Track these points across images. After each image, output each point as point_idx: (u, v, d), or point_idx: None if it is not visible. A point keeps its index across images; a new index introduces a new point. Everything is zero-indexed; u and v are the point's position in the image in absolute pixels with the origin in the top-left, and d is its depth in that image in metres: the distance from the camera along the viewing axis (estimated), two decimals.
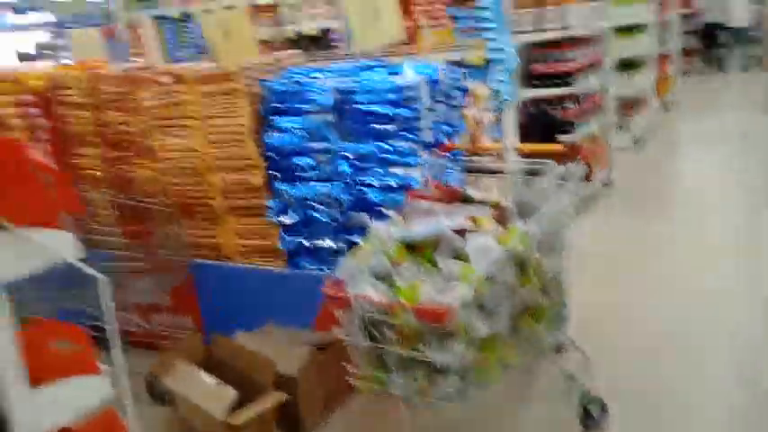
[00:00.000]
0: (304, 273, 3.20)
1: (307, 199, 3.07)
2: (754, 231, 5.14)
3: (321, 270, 3.16)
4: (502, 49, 5.43)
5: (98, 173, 3.69)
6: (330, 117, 2.98)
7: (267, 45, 6.65)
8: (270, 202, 3.21)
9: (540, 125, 5.66)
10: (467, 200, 2.45)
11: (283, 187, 3.14)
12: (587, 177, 2.61)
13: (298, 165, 3.09)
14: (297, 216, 3.13)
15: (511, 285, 2.15)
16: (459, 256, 2.14)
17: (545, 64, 5.54)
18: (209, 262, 3.46)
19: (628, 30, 7.96)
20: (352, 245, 2.79)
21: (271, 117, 3.12)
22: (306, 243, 3.17)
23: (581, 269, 4.49)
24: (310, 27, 6.44)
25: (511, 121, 5.64)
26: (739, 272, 4.35)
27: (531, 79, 5.66)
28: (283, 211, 3.18)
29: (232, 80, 3.12)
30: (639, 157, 7.79)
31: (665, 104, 10.27)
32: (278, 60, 3.39)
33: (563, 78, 5.47)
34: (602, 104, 6.33)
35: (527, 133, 5.65)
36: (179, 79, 3.27)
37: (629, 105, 8.24)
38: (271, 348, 3.03)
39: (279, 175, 3.16)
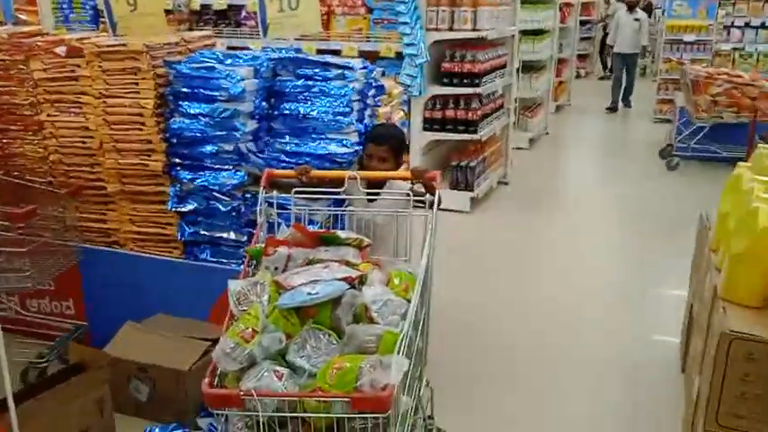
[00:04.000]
0: (199, 264, 3.10)
1: (207, 188, 2.95)
2: (625, 229, 5.59)
3: (220, 263, 3.08)
4: (414, 44, 5.51)
5: None
6: (239, 106, 2.88)
7: (169, 15, 6.32)
8: (169, 190, 3.07)
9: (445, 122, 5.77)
10: (330, 241, 2.15)
11: (184, 175, 3.00)
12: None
13: (201, 152, 2.96)
14: (196, 205, 3.02)
15: (412, 339, 1.88)
16: (359, 314, 1.84)
17: (455, 63, 5.61)
18: (98, 247, 3.27)
19: (533, 34, 8.24)
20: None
21: (177, 101, 2.97)
22: (205, 233, 3.06)
23: (459, 264, 4.77)
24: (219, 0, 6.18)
25: (419, 115, 5.76)
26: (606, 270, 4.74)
27: (441, 77, 5.73)
28: (183, 200, 3.05)
29: (137, 59, 2.94)
30: (534, 157, 8.14)
31: (559, 107, 10.76)
32: (186, 41, 3.22)
33: (471, 78, 5.57)
34: (503, 105, 6.52)
35: (432, 129, 5.79)
36: (76, 52, 3.04)
37: (528, 107, 8.56)
38: (160, 338, 2.94)
39: (180, 162, 3.02)
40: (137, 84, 2.98)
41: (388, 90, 3.60)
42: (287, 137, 2.99)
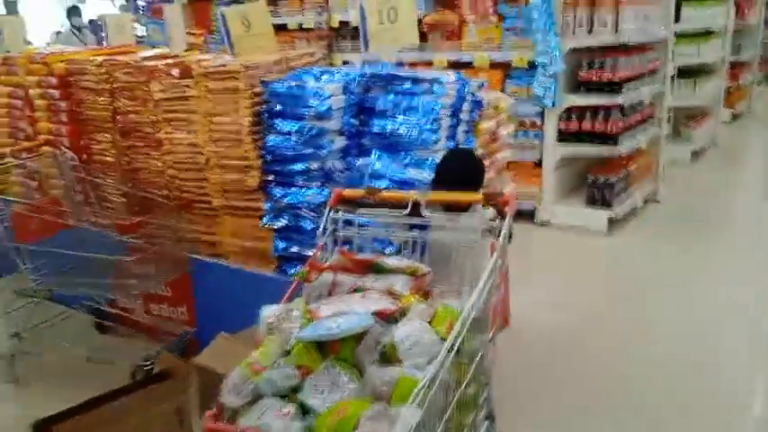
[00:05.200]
0: (288, 279, 3.12)
1: (295, 206, 2.98)
2: None
3: None
4: (548, 53, 5.21)
5: (110, 158, 3.71)
6: (326, 124, 2.87)
7: (309, 33, 6.57)
8: (265, 205, 3.14)
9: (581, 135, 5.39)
10: (379, 269, 2.03)
11: (276, 191, 3.06)
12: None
13: (291, 170, 2.99)
14: (287, 221, 3.05)
15: (449, 386, 1.73)
16: (386, 353, 1.70)
17: (593, 71, 5.22)
18: (206, 259, 3.44)
19: (698, 35, 7.47)
20: None
21: (271, 119, 3.03)
22: (295, 250, 3.09)
23: (584, 291, 4.33)
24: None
25: (552, 128, 5.44)
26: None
27: (578, 86, 5.36)
28: (276, 216, 3.10)
29: (236, 78, 3.05)
30: (696, 171, 7.35)
31: (735, 116, 9.66)
32: (288, 59, 3.28)
33: (611, 87, 5.16)
34: (654, 115, 5.96)
35: (567, 142, 5.44)
36: (186, 73, 3.22)
37: (691, 116, 7.77)
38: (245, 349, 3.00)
39: (274, 179, 3.08)
40: (236, 102, 3.08)
41: (493, 103, 3.41)
42: (372, 156, 2.92)
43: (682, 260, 4.91)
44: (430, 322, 1.88)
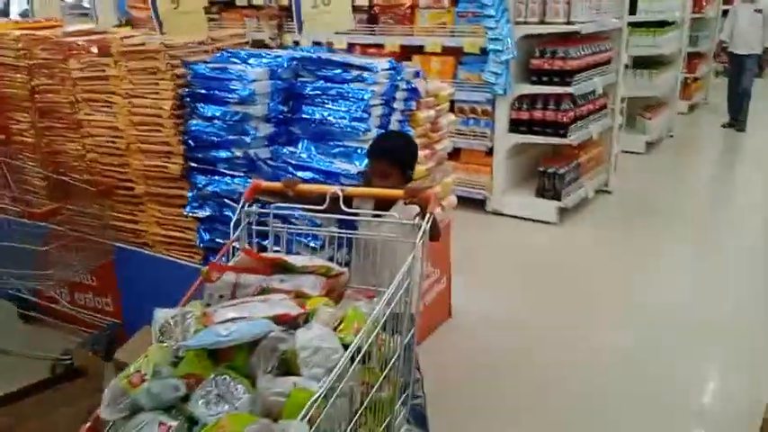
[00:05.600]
0: None
1: (219, 194, 2.82)
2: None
3: None
4: (500, 39, 5.10)
5: (29, 139, 3.49)
6: (249, 109, 2.71)
7: (260, 11, 6.36)
8: (189, 194, 2.98)
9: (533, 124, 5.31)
10: (288, 269, 1.91)
11: (200, 179, 2.90)
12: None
13: (215, 157, 2.83)
14: (211, 211, 2.90)
15: (353, 394, 1.64)
16: (286, 361, 1.59)
17: (545, 59, 5.13)
18: (130, 247, 3.26)
19: (655, 26, 7.45)
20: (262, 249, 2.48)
21: (194, 103, 2.86)
22: (220, 240, 2.94)
23: (530, 282, 4.29)
24: None
25: (504, 116, 5.35)
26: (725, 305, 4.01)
27: (530, 75, 5.27)
28: (200, 206, 2.94)
29: (155, 58, 2.86)
30: (650, 162, 7.36)
31: (692, 107, 9.72)
32: (214, 40, 3.10)
33: (562, 76, 5.07)
34: (606, 105, 5.91)
35: (518, 131, 5.35)
36: (105, 51, 3.02)
37: (647, 107, 7.78)
38: None
39: (197, 166, 2.91)
40: (157, 84, 2.90)
41: (433, 92, 3.28)
42: (299, 146, 2.78)
43: (628, 250, 4.91)
44: (336, 327, 1.76)
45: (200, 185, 2.90)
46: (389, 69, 2.78)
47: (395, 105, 2.87)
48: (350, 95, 2.72)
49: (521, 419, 2.99)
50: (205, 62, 2.92)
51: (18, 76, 3.42)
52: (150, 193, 3.11)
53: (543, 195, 5.40)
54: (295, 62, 2.87)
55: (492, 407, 3.06)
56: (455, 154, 5.68)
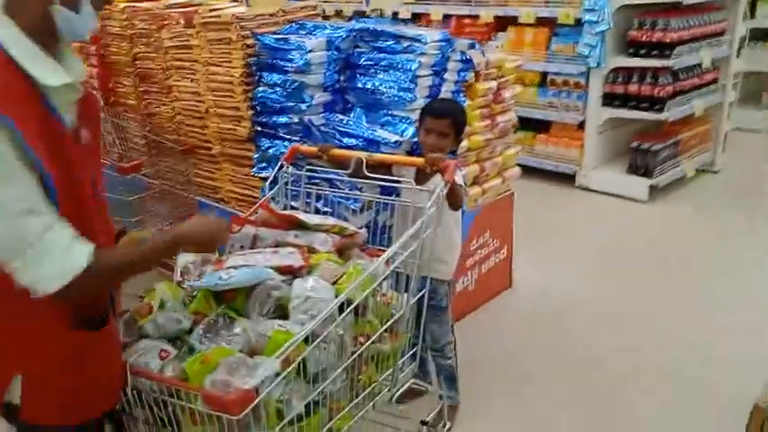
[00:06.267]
0: None
1: (279, 157, 3.03)
2: None
3: None
4: (595, 10, 4.94)
5: (132, 102, 3.90)
6: (306, 78, 2.89)
7: None
8: (255, 156, 3.23)
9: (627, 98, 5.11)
10: (302, 226, 2.07)
11: (264, 142, 3.13)
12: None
13: (276, 122, 3.05)
14: (273, 171, 3.12)
15: (344, 342, 1.80)
16: (282, 306, 1.78)
17: (643, 31, 4.90)
18: (209, 202, 3.59)
19: None
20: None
21: (260, 71, 3.08)
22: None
23: (605, 261, 4.13)
24: None
25: (597, 89, 5.18)
26: None
27: (627, 47, 5.06)
28: (264, 167, 3.19)
29: (228, 29, 3.11)
30: None
31: None
32: (285, 12, 3.30)
33: (662, 49, 4.83)
34: (717, 80, 5.54)
35: (612, 105, 5.18)
36: (190, 22, 3.31)
37: None
38: None
39: (262, 130, 3.15)
40: (230, 53, 3.15)
41: (496, 63, 3.29)
42: (352, 114, 2.93)
43: (723, 234, 4.62)
44: (336, 282, 1.92)
45: (263, 148, 3.14)
46: (440, 41, 2.84)
47: (446, 76, 2.94)
48: (399, 66, 2.82)
49: (550, 392, 3.01)
50: (275, 33, 3.13)
51: (123, 44, 3.82)
52: (224, 153, 3.40)
53: (635, 172, 5.21)
54: (354, 33, 3.01)
55: (523, 376, 3.10)
56: (545, 127, 5.63)
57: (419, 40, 2.81)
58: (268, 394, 1.62)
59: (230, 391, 1.53)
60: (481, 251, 3.58)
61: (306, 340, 1.71)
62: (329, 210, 2.68)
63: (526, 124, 5.75)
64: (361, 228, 2.32)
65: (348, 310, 1.82)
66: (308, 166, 2.51)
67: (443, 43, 2.86)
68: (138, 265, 1.50)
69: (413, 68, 2.78)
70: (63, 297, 1.35)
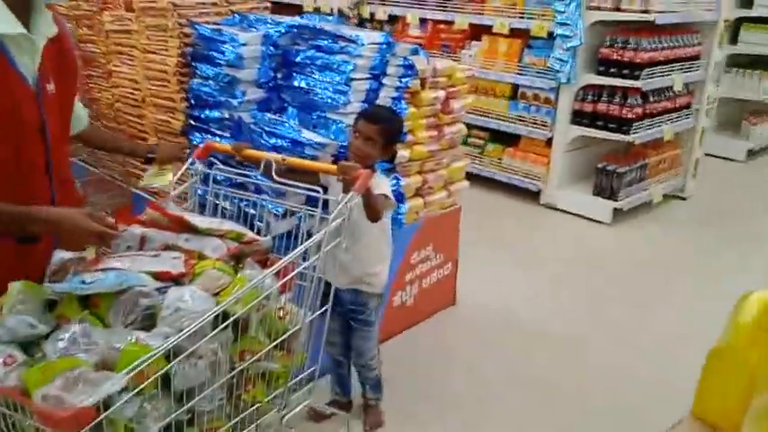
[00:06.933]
0: None
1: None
2: None
3: None
4: (568, 24, 4.83)
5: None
6: (238, 73, 2.75)
7: None
8: (187, 151, 3.08)
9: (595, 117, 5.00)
10: (194, 230, 1.92)
11: (196, 137, 3.00)
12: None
13: (209, 116, 2.91)
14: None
15: (219, 358, 1.67)
16: (153, 315, 1.64)
17: (614, 49, 4.79)
18: (143, 194, 3.44)
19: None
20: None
21: (196, 62, 2.95)
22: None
23: (558, 280, 4.03)
24: None
25: (566, 106, 5.07)
26: None
27: (598, 64, 4.95)
28: (193, 163, 3.04)
29: (165, 16, 2.97)
30: (746, 172, 6.72)
31: None
32: (229, 3, 3.16)
33: (632, 69, 4.72)
34: (689, 105, 5.45)
35: (581, 123, 5.07)
36: (128, 6, 3.18)
37: (755, 111, 7.09)
38: None
39: (195, 124, 3.01)
40: (166, 41, 3.02)
41: (445, 71, 3.17)
42: (285, 113, 2.80)
43: (683, 261, 4.52)
44: (218, 293, 1.78)
45: (195, 143, 3.00)
46: (379, 43, 2.72)
47: (385, 81, 2.81)
48: (335, 66, 2.70)
49: (491, 413, 2.88)
50: (216, 23, 3.00)
51: (69, 25, 3.66)
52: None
53: (600, 194, 5.10)
54: (295, 30, 2.88)
55: (459, 396, 2.98)
56: (515, 141, 5.52)
57: (355, 41, 2.68)
58: (115, 412, 1.48)
59: (66, 408, 1.39)
60: (422, 266, 3.45)
61: (168, 356, 1.57)
62: (253, 212, 2.54)
63: (497, 137, 5.66)
64: (277, 236, 2.20)
65: (224, 324, 1.69)
66: (220, 166, 2.37)
67: (383, 46, 2.74)
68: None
69: (347, 70, 2.65)
70: None
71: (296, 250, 1.87)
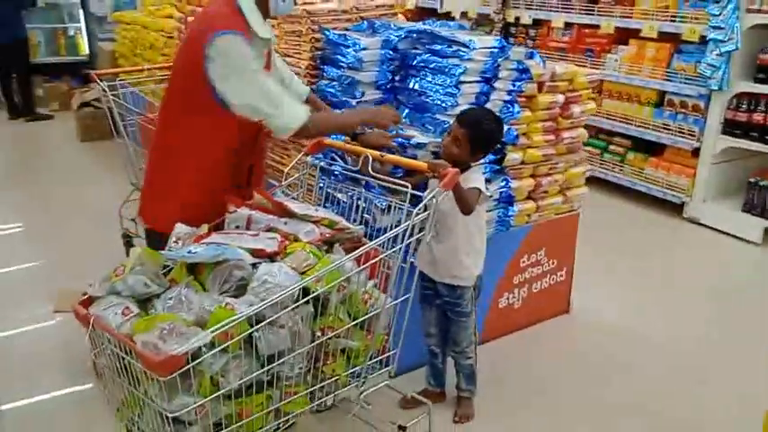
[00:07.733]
0: None
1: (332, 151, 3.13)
2: None
3: None
4: (722, 28, 4.53)
5: None
6: (357, 75, 2.96)
7: None
8: None
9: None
10: (292, 215, 2.14)
11: None
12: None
13: None
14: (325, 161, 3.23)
15: (300, 330, 1.88)
16: (245, 286, 1.87)
17: None
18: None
19: None
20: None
21: (324, 65, 3.20)
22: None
23: (690, 301, 3.71)
24: None
25: (717, 115, 4.75)
26: None
27: (756, 71, 4.59)
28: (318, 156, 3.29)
29: (299, 23, 3.25)
30: None
31: None
32: (359, 10, 3.38)
33: None
34: None
35: (732, 134, 4.74)
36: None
37: None
38: None
39: None
40: (299, 45, 3.30)
41: (565, 76, 3.14)
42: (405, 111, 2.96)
43: None
44: (305, 272, 1.97)
45: None
46: (491, 47, 2.78)
47: (497, 85, 2.86)
48: (446, 70, 2.80)
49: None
50: (345, 29, 3.23)
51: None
52: (295, 142, 3.56)
53: (749, 211, 4.72)
54: (414, 35, 3.02)
55: (553, 406, 2.96)
56: (659, 150, 5.27)
57: (466, 46, 2.76)
58: (202, 364, 1.72)
59: (160, 353, 1.65)
60: (533, 269, 3.44)
61: (251, 321, 1.79)
62: (364, 205, 2.72)
63: (639, 145, 5.43)
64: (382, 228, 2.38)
65: (304, 299, 1.88)
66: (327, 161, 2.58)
67: (495, 50, 2.80)
68: (332, 128, 2.60)
69: (457, 73, 2.75)
70: (289, 137, 2.43)
71: (377, 239, 2.02)
